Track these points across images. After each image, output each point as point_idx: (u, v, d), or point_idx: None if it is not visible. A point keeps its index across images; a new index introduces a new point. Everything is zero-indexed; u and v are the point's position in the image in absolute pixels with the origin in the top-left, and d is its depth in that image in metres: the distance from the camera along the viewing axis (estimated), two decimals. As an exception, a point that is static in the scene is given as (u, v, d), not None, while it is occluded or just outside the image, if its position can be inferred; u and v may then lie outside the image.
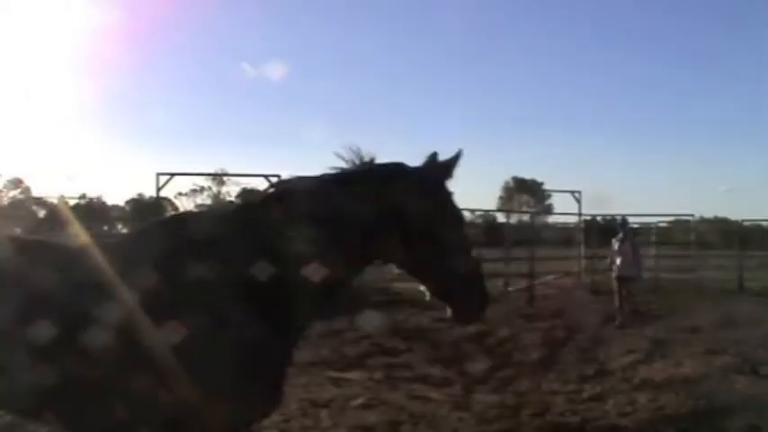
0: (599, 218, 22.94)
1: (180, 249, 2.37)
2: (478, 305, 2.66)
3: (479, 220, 46.31)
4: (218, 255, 2.36)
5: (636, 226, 20.35)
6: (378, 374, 7.01)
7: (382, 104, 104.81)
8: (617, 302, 10.86)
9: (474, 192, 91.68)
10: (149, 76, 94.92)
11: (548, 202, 65.32)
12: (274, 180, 13.56)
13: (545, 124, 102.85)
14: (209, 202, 70.65)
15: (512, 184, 76.39)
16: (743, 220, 19.21)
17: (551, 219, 31.29)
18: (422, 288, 2.69)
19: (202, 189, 70.10)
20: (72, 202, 60.47)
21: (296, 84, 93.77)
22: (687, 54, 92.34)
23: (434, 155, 2.58)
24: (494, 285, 15.55)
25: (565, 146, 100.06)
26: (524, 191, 75.30)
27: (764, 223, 22.59)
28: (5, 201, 67.30)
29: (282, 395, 2.53)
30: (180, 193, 69.26)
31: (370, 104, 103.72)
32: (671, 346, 8.45)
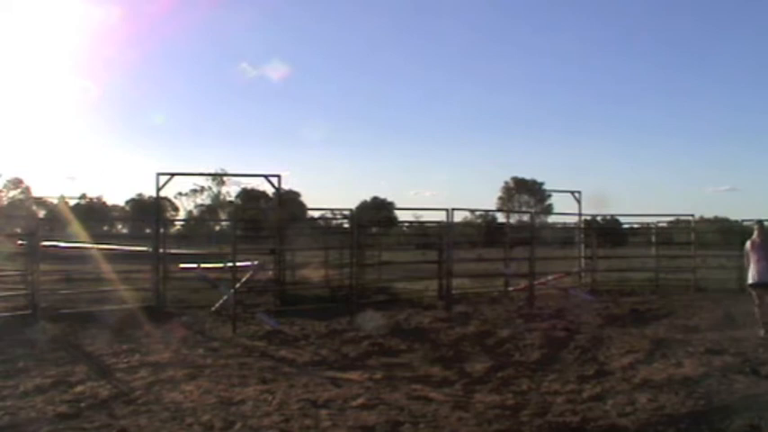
0: (599, 218, 22.96)
1: None
2: None
3: (479, 220, 46.45)
4: None
5: (636, 226, 20.44)
6: (378, 374, 7.01)
7: (382, 104, 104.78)
8: (756, 312, 9.73)
9: (474, 192, 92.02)
10: (149, 76, 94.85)
11: (548, 202, 65.71)
12: (274, 180, 13.65)
13: (545, 124, 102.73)
14: (209, 202, 70.88)
15: (512, 184, 76.46)
16: (743, 220, 19.17)
17: (551, 219, 31.26)
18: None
19: (202, 189, 70.35)
20: (72, 202, 60.74)
21: (296, 84, 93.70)
22: (687, 54, 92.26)
23: None
24: (494, 285, 15.60)
25: (565, 146, 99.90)
26: (524, 191, 75.37)
27: (765, 223, 22.52)
28: (5, 201, 67.33)
29: None
30: (180, 193, 69.60)
31: (369, 104, 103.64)
32: (671, 346, 8.45)
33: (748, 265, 10.01)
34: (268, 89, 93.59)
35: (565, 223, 19.28)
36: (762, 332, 9.48)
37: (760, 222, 10.62)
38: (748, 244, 10.06)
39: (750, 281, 9.91)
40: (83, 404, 5.77)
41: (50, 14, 64.98)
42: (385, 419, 5.27)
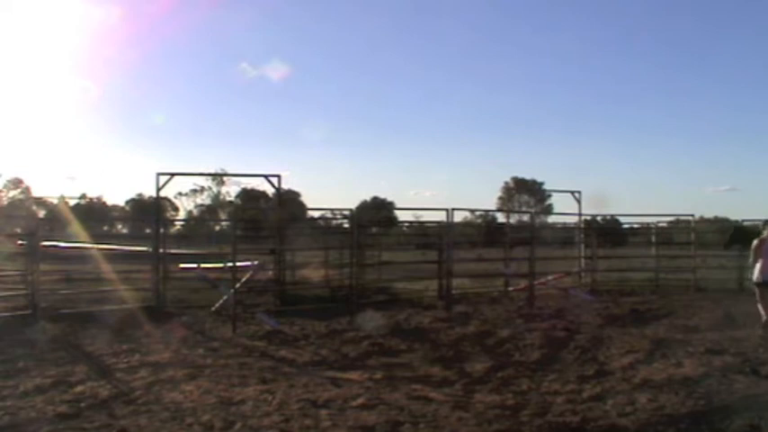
0: (599, 218, 22.95)
1: None
2: None
3: (479, 220, 46.45)
4: None
5: (636, 226, 20.46)
6: (378, 374, 7.01)
7: (382, 104, 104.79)
8: (760, 309, 9.84)
9: (474, 192, 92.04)
10: (149, 76, 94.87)
11: (548, 202, 65.73)
12: (274, 180, 13.66)
13: (545, 124, 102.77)
14: (209, 202, 70.88)
15: (512, 184, 76.47)
16: (743, 220, 19.16)
17: (551, 219, 31.29)
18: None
19: (202, 189, 70.35)
20: (72, 202, 60.75)
21: (296, 84, 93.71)
22: (687, 54, 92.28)
23: None
24: (494, 285, 15.60)
25: (565, 146, 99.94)
26: (524, 191, 75.38)
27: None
28: (5, 201, 67.33)
29: None
30: (180, 193, 69.59)
31: (369, 104, 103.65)
32: (671, 346, 8.45)
33: (755, 262, 10.09)
34: (268, 89, 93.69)
35: (565, 223, 19.29)
36: (761, 330, 9.54)
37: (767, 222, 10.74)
38: (756, 242, 10.15)
39: (756, 279, 10.01)
40: (83, 404, 5.77)
41: (50, 14, 65.00)
42: (385, 419, 5.27)
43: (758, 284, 9.98)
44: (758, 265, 9.96)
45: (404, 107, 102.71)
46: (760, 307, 9.87)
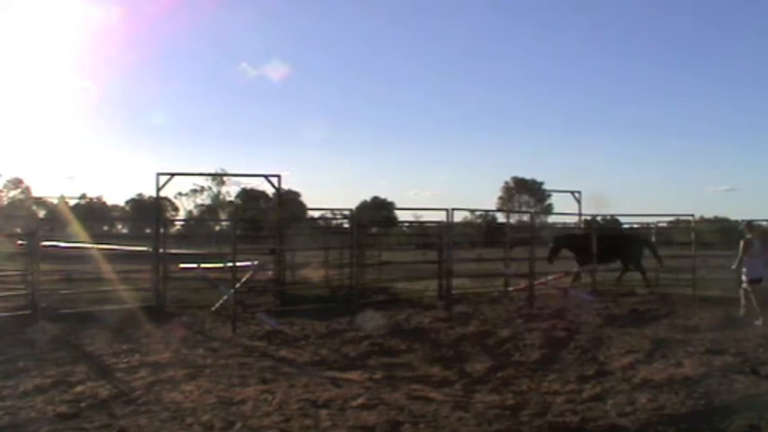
0: (599, 218, 22.95)
1: None
2: None
3: (479, 220, 46.45)
4: None
5: (636, 226, 20.44)
6: (378, 374, 7.01)
7: (382, 104, 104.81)
8: (754, 301, 10.60)
9: (474, 192, 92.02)
10: (149, 76, 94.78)
11: (548, 202, 65.77)
12: (274, 180, 13.66)
13: (546, 124, 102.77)
14: (209, 202, 70.87)
15: (512, 184, 76.47)
16: (743, 220, 19.14)
17: (551, 219, 31.30)
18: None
19: (202, 189, 70.35)
20: (72, 202, 60.75)
21: (296, 84, 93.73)
22: (687, 54, 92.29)
23: None
24: (494, 285, 15.59)
25: (565, 146, 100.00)
26: (524, 191, 75.37)
27: (765, 223, 22.49)
28: (5, 201, 67.33)
29: None
30: (180, 193, 69.60)
31: (369, 104, 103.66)
32: (671, 346, 8.45)
33: (740, 261, 10.89)
34: (268, 89, 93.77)
35: (565, 223, 19.28)
36: (760, 321, 10.17)
37: (750, 223, 11.75)
38: (742, 243, 10.89)
39: (749, 277, 10.73)
40: (83, 404, 5.77)
41: (50, 14, 65.02)
42: (385, 419, 5.27)
43: (750, 282, 10.75)
44: (755, 264, 10.74)
45: (404, 107, 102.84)
46: (754, 299, 10.60)
